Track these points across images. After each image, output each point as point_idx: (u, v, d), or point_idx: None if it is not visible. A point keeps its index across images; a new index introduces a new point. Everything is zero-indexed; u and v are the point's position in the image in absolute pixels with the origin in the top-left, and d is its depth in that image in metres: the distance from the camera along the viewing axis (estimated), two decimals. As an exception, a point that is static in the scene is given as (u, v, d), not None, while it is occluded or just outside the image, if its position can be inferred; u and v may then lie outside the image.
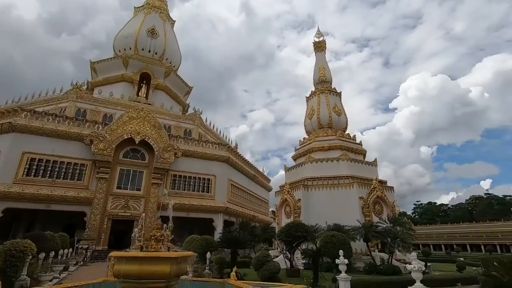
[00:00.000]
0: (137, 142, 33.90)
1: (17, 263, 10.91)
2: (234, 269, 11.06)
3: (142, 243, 6.16)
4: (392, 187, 26.91)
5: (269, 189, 62.94)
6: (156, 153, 34.49)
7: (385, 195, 24.69)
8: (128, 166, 34.15)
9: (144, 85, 51.04)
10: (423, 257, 27.93)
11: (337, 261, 11.00)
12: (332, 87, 33.24)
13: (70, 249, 23.58)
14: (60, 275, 15.10)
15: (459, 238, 66.25)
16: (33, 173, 29.41)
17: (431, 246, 66.36)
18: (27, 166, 29.26)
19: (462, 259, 29.48)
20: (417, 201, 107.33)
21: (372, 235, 18.50)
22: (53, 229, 24.13)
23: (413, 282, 8.64)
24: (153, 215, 33.01)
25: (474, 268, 13.00)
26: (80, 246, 27.40)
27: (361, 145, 30.82)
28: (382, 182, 26.57)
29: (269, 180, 63.90)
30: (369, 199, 23.78)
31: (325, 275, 14.20)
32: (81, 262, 23.52)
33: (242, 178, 47.14)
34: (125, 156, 34.37)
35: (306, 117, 33.27)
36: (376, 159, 29.00)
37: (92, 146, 31.50)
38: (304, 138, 32.63)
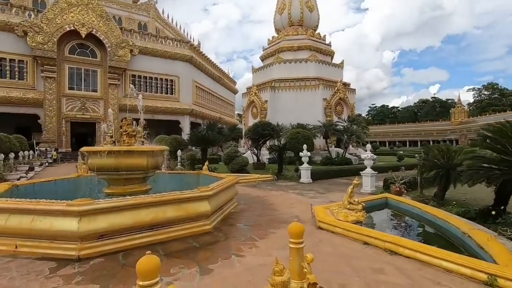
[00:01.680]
0: (83, 36, 29.38)
1: (-25, 163, 10.43)
2: (206, 163, 11.78)
3: (114, 138, 6.02)
4: (354, 90, 28.05)
5: (235, 92, 62.46)
6: (109, 49, 30.71)
7: (347, 97, 25.89)
8: (77, 64, 30.50)
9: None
10: (372, 151, 31.93)
11: (300, 154, 12.15)
12: (307, -24, 29.54)
13: (31, 151, 22.92)
14: (27, 174, 15.01)
15: (402, 136, 76.13)
16: (-40, 71, 25.29)
17: (378, 143, 75.76)
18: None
19: (401, 152, 34.48)
20: (372, 104, 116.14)
21: (331, 132, 20.21)
22: (5, 132, 22.60)
23: (362, 169, 10.07)
24: (115, 118, 31.95)
25: (416, 155, 15.45)
26: (43, 149, 26.71)
27: (330, 46, 30.05)
28: (346, 85, 27.40)
29: (235, 83, 62.71)
30: (332, 100, 24.87)
31: (288, 167, 15.86)
32: (46, 163, 23.35)
33: (207, 79, 45.45)
34: (72, 52, 30.24)
35: (276, 12, 30.40)
36: (343, 61, 28.98)
37: (28, 38, 26.79)
38: (273, 37, 30.65)
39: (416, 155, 13.96)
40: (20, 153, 19.87)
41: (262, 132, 16.35)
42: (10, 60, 27.32)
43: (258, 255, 3.97)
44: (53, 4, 29.06)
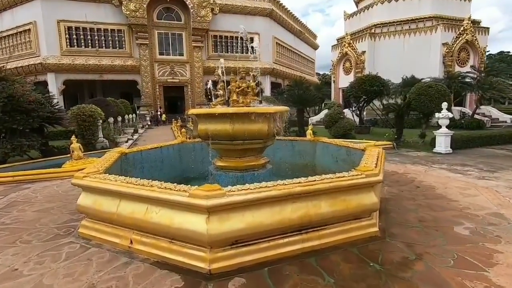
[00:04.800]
0: (168, -1, 29.53)
1: (90, 127, 11.02)
2: (310, 127, 9.96)
3: (226, 97, 4.62)
4: (487, 29, 21.23)
5: (315, 47, 57.25)
6: (191, 10, 30.31)
7: (475, 39, 19.85)
8: (165, 29, 31.26)
9: None
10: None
11: (437, 115, 9.19)
12: None
13: (133, 115, 25.10)
14: (133, 136, 16.00)
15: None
16: (75, 44, 28.57)
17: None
18: (67, 36, 28.11)
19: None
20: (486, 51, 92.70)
21: (458, 86, 15.69)
22: (112, 97, 24.97)
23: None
24: (200, 80, 32.60)
25: None
26: (144, 113, 29.35)
27: (452, -28, 23.01)
28: (475, 23, 20.95)
29: (315, 37, 57.06)
30: (454, 45, 19.38)
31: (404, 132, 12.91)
32: (147, 126, 25.42)
33: (288, 35, 42.12)
34: (159, 18, 30.98)
35: None
36: (471, -9, 21.99)
37: (123, 7, 28.20)
38: (371, -28, 25.13)
39: None
40: (126, 117, 21.74)
41: (370, 89, 13.43)
42: (111, 30, 29.58)
43: (523, 313, 2.06)
44: (140, -32, 29.47)
